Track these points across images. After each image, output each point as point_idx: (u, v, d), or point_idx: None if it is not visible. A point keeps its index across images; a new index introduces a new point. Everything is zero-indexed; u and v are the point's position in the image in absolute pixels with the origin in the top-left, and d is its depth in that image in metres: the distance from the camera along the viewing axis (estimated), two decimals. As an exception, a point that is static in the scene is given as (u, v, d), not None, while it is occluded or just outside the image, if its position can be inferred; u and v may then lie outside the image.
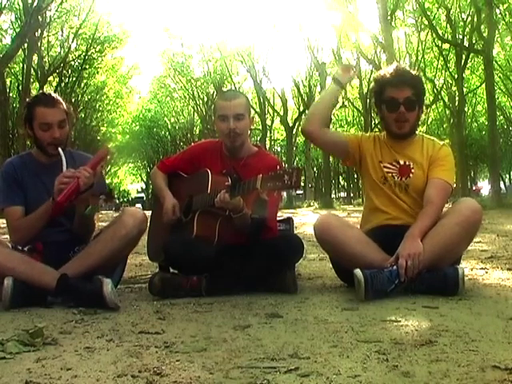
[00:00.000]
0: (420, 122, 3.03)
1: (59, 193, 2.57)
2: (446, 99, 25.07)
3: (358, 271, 2.44)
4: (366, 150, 2.91)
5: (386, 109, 2.81)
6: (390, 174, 2.84)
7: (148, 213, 3.13)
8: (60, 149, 2.74)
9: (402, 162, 2.84)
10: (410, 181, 2.82)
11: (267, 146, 32.37)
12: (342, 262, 2.75)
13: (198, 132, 37.28)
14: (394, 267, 2.48)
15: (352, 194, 36.26)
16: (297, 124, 31.91)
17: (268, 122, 33.56)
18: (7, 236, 2.84)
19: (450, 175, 2.85)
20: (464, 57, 21.70)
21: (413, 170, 2.82)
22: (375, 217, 2.86)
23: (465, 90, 24.66)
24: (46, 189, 2.73)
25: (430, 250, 2.54)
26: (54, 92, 3.13)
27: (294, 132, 31.59)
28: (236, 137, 2.85)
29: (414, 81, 2.83)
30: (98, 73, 29.03)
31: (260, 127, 31.11)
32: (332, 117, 28.29)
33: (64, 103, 2.83)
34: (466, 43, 21.13)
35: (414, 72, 2.95)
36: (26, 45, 19.79)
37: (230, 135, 2.85)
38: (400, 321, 2.05)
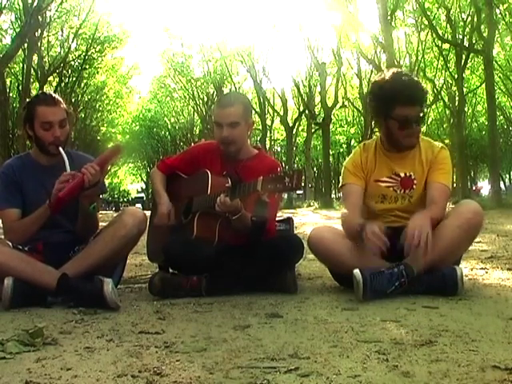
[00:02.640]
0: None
1: (57, 193, 2.57)
2: (446, 99, 25.06)
3: (357, 271, 2.44)
4: (367, 172, 2.86)
5: (398, 126, 2.72)
6: (391, 188, 2.80)
7: (148, 213, 3.13)
8: (61, 148, 2.74)
9: (402, 175, 2.80)
10: (413, 192, 2.80)
11: (267, 146, 32.35)
12: (339, 272, 2.77)
13: (198, 132, 37.25)
14: (395, 269, 2.48)
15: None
16: (297, 124, 31.93)
17: (268, 122, 33.53)
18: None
19: (449, 178, 2.85)
20: (464, 57, 21.67)
21: (415, 181, 2.79)
22: (374, 220, 2.84)
23: (465, 90, 24.62)
24: (46, 190, 2.72)
25: (431, 252, 2.53)
26: (54, 92, 3.12)
27: (293, 132, 31.57)
28: (229, 144, 2.87)
29: (422, 96, 2.77)
30: (97, 73, 29.00)
31: (260, 127, 31.08)
32: (332, 117, 28.33)
33: (64, 103, 2.84)
34: (466, 43, 21.10)
35: (417, 81, 2.87)
36: (26, 45, 19.75)
37: (223, 143, 2.87)
38: (400, 321, 2.05)
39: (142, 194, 54.06)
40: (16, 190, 2.78)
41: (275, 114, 33.05)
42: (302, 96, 28.79)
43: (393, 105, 2.70)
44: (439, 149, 2.87)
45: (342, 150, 38.25)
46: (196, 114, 36.49)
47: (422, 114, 2.74)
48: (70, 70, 26.08)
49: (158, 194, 3.03)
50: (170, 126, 41.23)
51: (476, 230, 2.67)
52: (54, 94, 2.88)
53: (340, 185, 3.01)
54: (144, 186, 52.36)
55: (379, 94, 2.80)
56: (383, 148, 2.89)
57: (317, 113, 28.90)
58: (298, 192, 35.91)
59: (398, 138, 2.77)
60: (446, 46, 22.33)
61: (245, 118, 2.90)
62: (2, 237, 2.78)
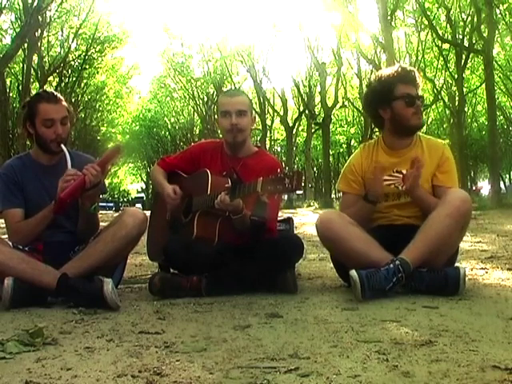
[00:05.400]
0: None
1: (62, 192, 2.57)
2: (446, 99, 25.03)
3: (353, 272, 2.44)
4: (366, 176, 2.89)
5: (405, 104, 2.80)
6: (393, 185, 2.80)
7: (148, 213, 3.13)
8: (63, 145, 2.74)
9: (404, 171, 2.79)
10: None
11: (267, 146, 32.33)
12: (344, 259, 2.75)
13: (197, 132, 37.25)
14: (391, 265, 2.49)
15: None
16: (297, 124, 31.91)
17: (268, 122, 33.51)
18: (7, 236, 2.84)
19: (457, 180, 2.91)
20: (464, 57, 21.65)
21: None
22: (376, 218, 2.86)
23: (465, 90, 24.58)
24: (47, 191, 2.73)
25: (423, 244, 2.54)
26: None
27: (293, 132, 31.54)
28: (238, 132, 2.87)
29: (418, 79, 2.88)
30: (98, 73, 29.01)
31: (260, 127, 31.07)
32: (332, 117, 28.33)
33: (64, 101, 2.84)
34: (466, 43, 21.09)
35: (415, 70, 2.95)
36: (26, 45, 19.77)
37: (231, 131, 2.87)
38: (400, 321, 2.05)
39: (142, 194, 54.03)
40: (18, 190, 2.77)
41: (275, 113, 33.02)
42: (302, 96, 28.79)
43: (394, 85, 2.81)
44: (443, 147, 2.92)
45: (342, 150, 38.21)
46: (196, 114, 36.47)
47: (422, 96, 2.86)
48: (70, 70, 26.09)
49: (158, 182, 3.04)
50: (170, 126, 41.18)
51: (466, 218, 2.66)
52: (55, 92, 2.88)
53: (337, 186, 3.08)
54: (144, 186, 52.35)
55: (379, 82, 2.90)
56: (385, 146, 2.91)
57: (317, 113, 28.90)
58: (298, 192, 35.92)
59: (406, 117, 2.82)
60: (446, 46, 22.31)
61: (250, 110, 2.95)
62: (3, 237, 2.77)
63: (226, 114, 2.88)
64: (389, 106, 2.83)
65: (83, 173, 2.57)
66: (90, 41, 26.15)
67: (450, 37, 21.75)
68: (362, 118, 28.14)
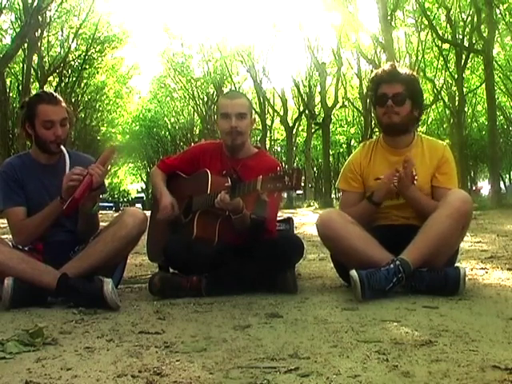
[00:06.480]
0: (420, 123, 3.03)
1: (68, 190, 2.57)
2: (446, 99, 25.03)
3: (353, 272, 2.44)
4: (364, 174, 2.91)
5: (377, 104, 2.84)
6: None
7: (148, 213, 3.13)
8: (62, 146, 2.74)
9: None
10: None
11: (267, 146, 32.32)
12: (344, 258, 2.75)
13: (198, 132, 37.25)
14: (391, 265, 2.49)
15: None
16: (297, 124, 31.91)
17: (268, 122, 33.50)
18: (7, 236, 2.84)
19: (456, 181, 2.91)
20: (464, 57, 21.65)
21: (416, 177, 2.78)
22: (376, 218, 2.86)
23: (465, 90, 24.57)
24: (47, 190, 2.73)
25: (423, 245, 2.54)
26: (54, 92, 3.12)
27: (293, 132, 31.55)
28: (237, 135, 2.86)
29: (406, 78, 2.84)
30: (98, 73, 29.03)
31: (260, 127, 31.07)
32: (332, 117, 28.34)
33: (63, 102, 2.84)
34: (466, 43, 21.09)
35: (409, 71, 2.96)
36: (26, 45, 19.78)
37: (231, 133, 2.86)
38: (400, 321, 2.05)
39: (142, 194, 54.03)
40: (18, 188, 2.76)
41: (275, 113, 33.02)
42: (302, 96, 28.79)
43: (378, 86, 2.85)
44: (443, 148, 2.91)
45: (342, 150, 38.20)
46: (196, 114, 36.48)
47: (403, 95, 2.78)
48: (70, 70, 26.12)
49: (158, 188, 3.03)
50: (170, 126, 41.17)
51: (466, 218, 2.67)
52: (54, 93, 2.87)
53: (336, 185, 3.11)
54: (144, 186, 52.34)
55: (371, 78, 2.98)
56: (385, 145, 2.91)
57: (317, 113, 28.90)
58: (298, 192, 35.88)
59: (379, 117, 2.85)
60: (446, 46, 22.31)
61: (250, 112, 2.95)
62: (3, 236, 2.77)
63: (226, 117, 2.87)
64: (375, 105, 2.90)
65: (90, 173, 2.57)
66: (90, 41, 26.16)
67: (450, 37, 21.75)
68: (362, 118, 28.13)
